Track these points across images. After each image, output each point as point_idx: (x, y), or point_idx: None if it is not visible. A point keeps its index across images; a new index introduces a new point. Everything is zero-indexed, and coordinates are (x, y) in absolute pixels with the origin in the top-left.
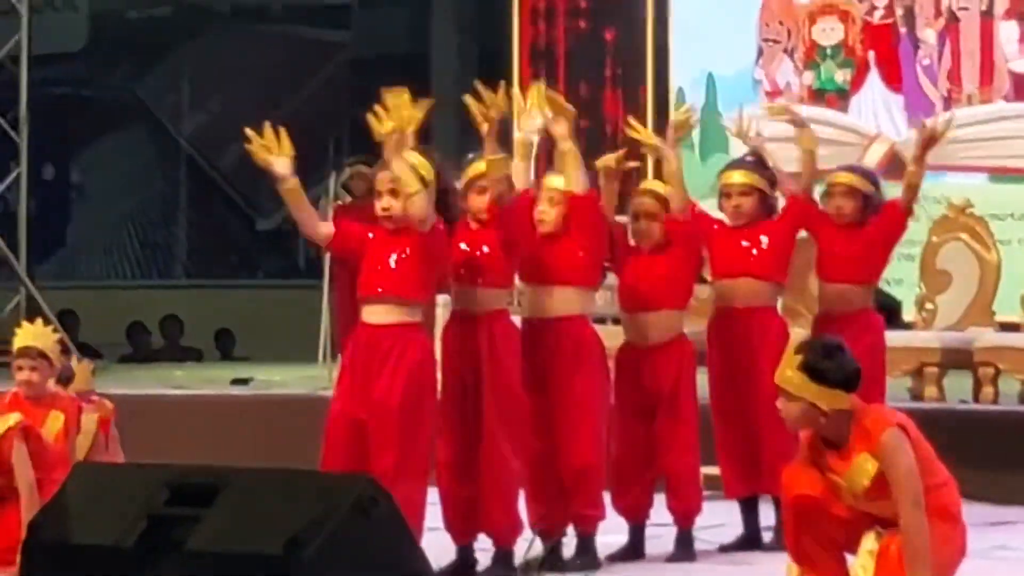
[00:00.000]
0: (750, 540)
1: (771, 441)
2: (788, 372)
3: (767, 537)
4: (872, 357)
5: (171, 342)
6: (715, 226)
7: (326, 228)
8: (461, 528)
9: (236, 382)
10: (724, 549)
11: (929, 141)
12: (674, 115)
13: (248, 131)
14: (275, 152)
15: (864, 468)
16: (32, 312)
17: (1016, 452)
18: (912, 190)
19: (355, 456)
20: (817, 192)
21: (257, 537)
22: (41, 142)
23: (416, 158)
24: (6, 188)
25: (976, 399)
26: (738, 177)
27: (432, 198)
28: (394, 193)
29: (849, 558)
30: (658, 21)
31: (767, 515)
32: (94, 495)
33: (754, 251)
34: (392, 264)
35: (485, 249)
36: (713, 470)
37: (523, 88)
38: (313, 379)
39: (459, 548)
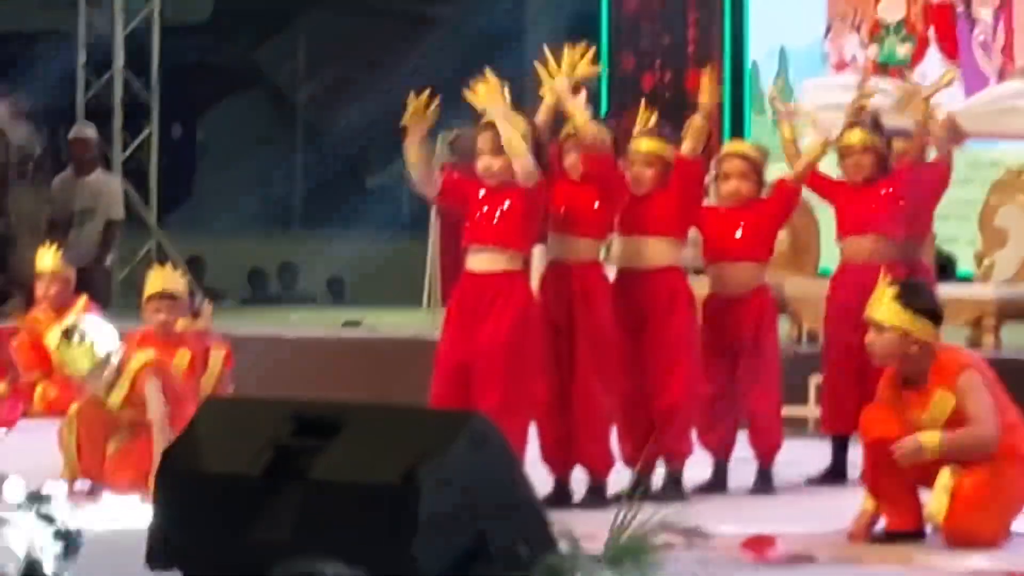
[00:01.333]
0: (836, 474)
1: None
2: (883, 304)
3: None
4: None
5: (287, 287)
6: (834, 185)
7: (436, 183)
8: (558, 461)
9: (347, 324)
10: (811, 482)
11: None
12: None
13: (411, 98)
14: (422, 119)
15: (944, 403)
16: (161, 258)
17: None
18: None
19: (461, 395)
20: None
21: (377, 468)
22: (170, 105)
23: (515, 117)
24: (138, 146)
25: None
26: (857, 137)
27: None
28: (495, 152)
29: (924, 493)
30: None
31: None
32: (224, 427)
33: (877, 208)
34: (496, 216)
35: (582, 203)
36: (794, 411)
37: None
38: (416, 322)
39: (556, 480)
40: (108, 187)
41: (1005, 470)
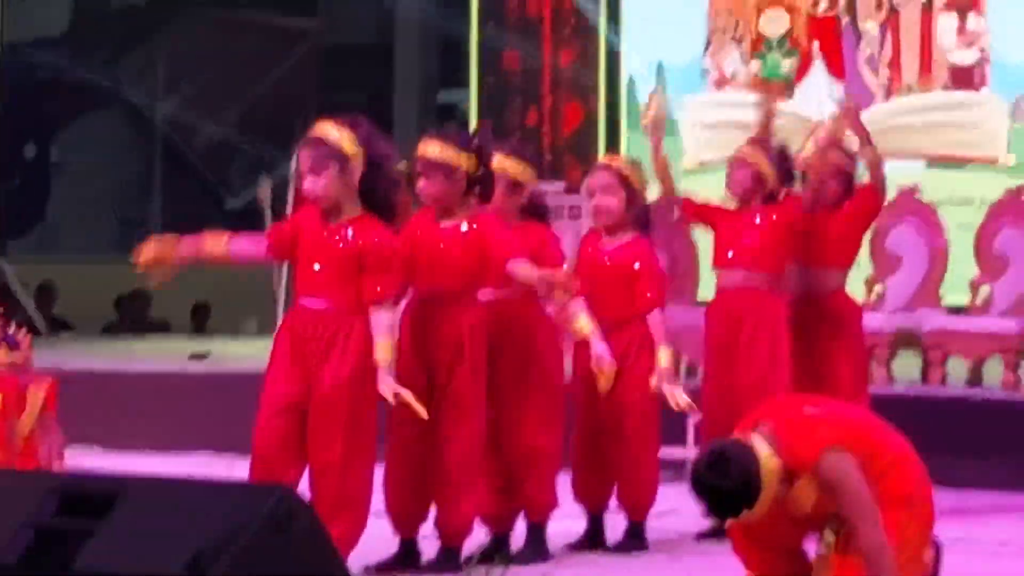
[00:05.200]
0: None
1: None
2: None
3: None
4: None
5: (140, 315)
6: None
7: (260, 246)
8: (405, 518)
9: (194, 356)
10: (701, 538)
11: (852, 117)
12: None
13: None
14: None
15: (806, 493)
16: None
17: (964, 435)
18: (874, 168)
19: (292, 443)
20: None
21: (156, 556)
22: (23, 122)
23: (335, 131)
24: None
25: (924, 381)
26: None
27: (354, 173)
28: (315, 171)
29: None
30: (610, 12)
31: None
32: None
33: (755, 237)
34: (327, 269)
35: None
36: (672, 452)
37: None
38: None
39: (403, 540)
40: None
41: (885, 520)
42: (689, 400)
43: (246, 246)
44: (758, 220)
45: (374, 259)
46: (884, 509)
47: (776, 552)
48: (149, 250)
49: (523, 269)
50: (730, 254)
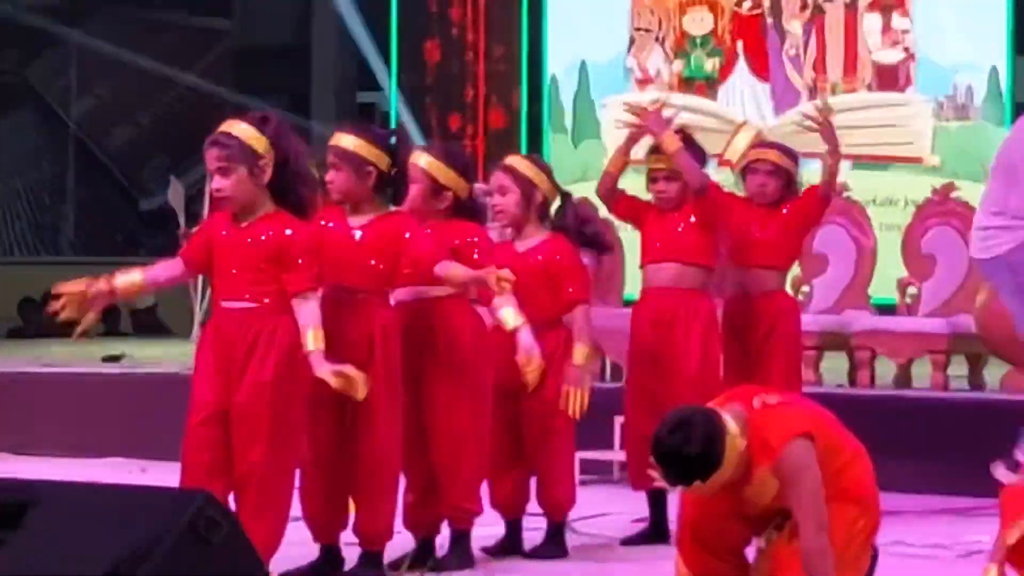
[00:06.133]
0: (657, 533)
1: None
2: (694, 487)
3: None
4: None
5: (50, 318)
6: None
7: (177, 266)
8: (325, 527)
9: (107, 359)
10: (627, 543)
11: (824, 125)
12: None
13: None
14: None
15: (768, 485)
16: None
17: (893, 437)
18: (831, 176)
19: (219, 450)
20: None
21: (72, 566)
22: None
23: (243, 129)
24: None
25: (852, 383)
26: (664, 162)
27: (264, 172)
28: (223, 171)
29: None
30: (533, 10)
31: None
32: None
33: (682, 235)
34: (244, 270)
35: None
36: (597, 455)
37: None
38: (185, 356)
39: (324, 546)
40: None
41: (837, 514)
42: (583, 409)
43: (161, 272)
44: (687, 216)
45: (292, 252)
46: (838, 503)
47: (720, 555)
48: (62, 298)
49: (453, 270)
50: (659, 249)
